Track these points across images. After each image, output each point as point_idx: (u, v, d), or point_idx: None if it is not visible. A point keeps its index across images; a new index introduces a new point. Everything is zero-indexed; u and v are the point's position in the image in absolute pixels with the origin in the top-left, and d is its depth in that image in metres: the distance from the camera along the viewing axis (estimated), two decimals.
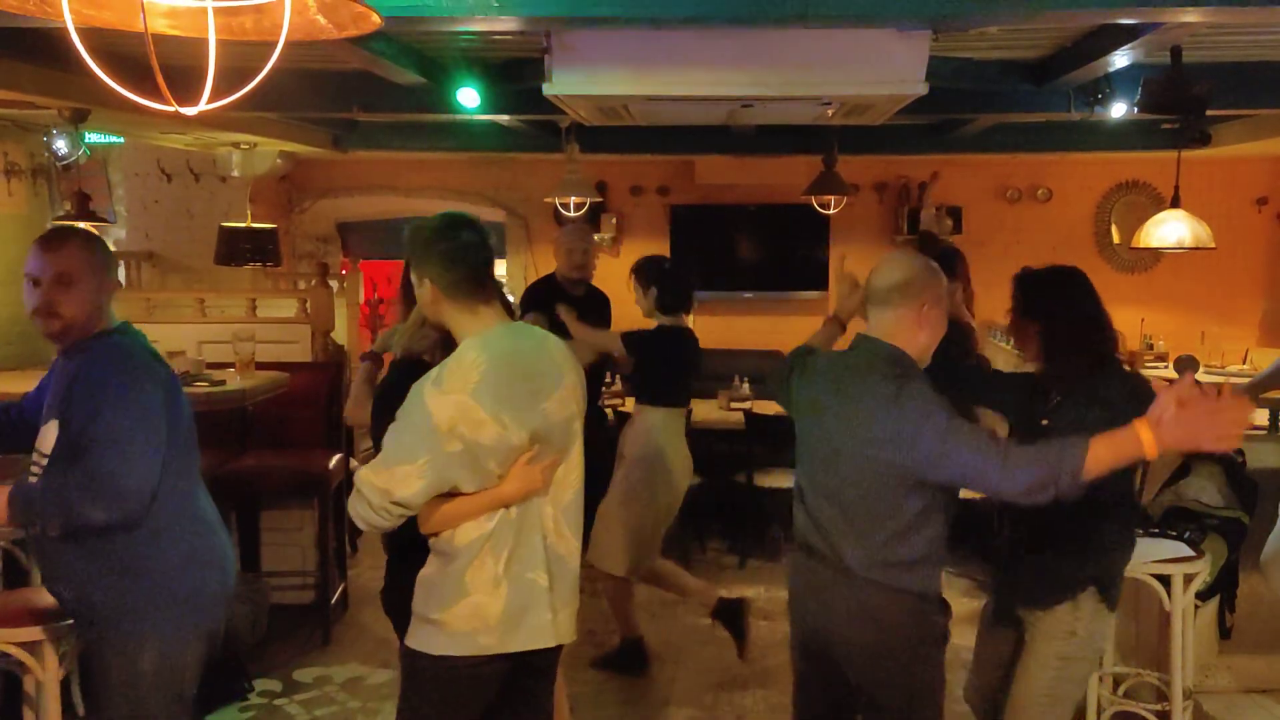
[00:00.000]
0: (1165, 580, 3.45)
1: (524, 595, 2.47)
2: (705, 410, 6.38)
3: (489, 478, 2.41)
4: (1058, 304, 2.91)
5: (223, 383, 4.53)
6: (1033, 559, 2.96)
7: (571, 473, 2.55)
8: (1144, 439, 2.19)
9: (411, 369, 2.62)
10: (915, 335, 2.61)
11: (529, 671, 2.57)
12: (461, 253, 2.44)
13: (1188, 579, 3.47)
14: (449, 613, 2.46)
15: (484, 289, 2.48)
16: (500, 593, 2.45)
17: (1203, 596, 3.65)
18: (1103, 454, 2.24)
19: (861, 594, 2.59)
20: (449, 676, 2.48)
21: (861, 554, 2.58)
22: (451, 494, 2.41)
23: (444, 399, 2.35)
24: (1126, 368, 3.05)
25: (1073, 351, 2.86)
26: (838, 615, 2.64)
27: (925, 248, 5.18)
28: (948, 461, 2.40)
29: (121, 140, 7.25)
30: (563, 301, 4.82)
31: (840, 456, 2.60)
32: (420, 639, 2.49)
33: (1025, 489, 2.31)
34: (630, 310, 4.75)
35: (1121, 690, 3.85)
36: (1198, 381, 2.24)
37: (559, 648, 2.58)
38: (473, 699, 2.52)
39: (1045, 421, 2.87)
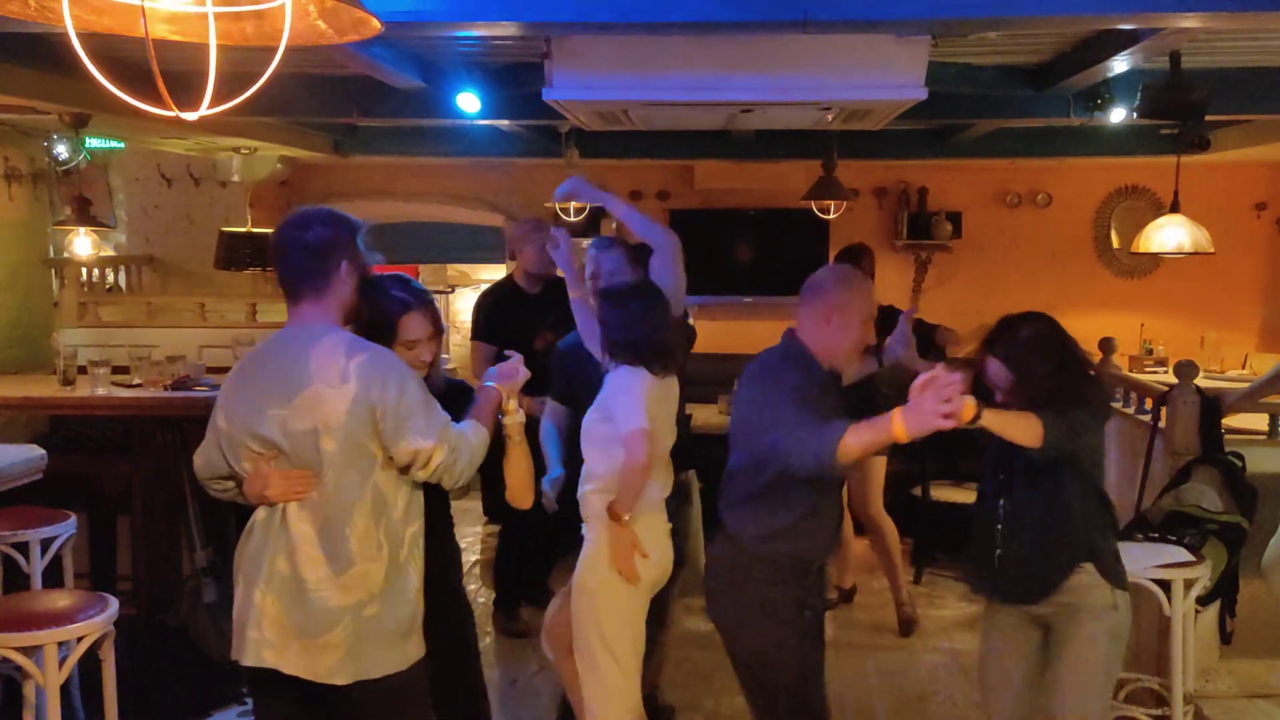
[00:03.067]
0: (1166, 585, 3.45)
1: (246, 603, 2.42)
2: (705, 415, 6.37)
3: (235, 469, 2.44)
4: (1042, 365, 2.82)
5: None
6: (1030, 556, 2.93)
7: (324, 495, 2.36)
8: (894, 423, 2.46)
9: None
10: (820, 334, 2.88)
11: (319, 703, 2.44)
12: (275, 250, 2.47)
13: (1188, 584, 3.47)
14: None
15: (292, 290, 2.45)
16: (238, 594, 2.46)
17: (1203, 602, 3.64)
18: (861, 435, 2.52)
19: (716, 541, 2.97)
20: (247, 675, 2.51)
21: (723, 499, 2.95)
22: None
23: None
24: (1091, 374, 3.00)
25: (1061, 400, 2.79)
26: (708, 564, 3.05)
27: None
28: (766, 432, 2.70)
29: (122, 145, 7.25)
30: (524, 304, 4.70)
31: (734, 412, 3.01)
32: None
33: (794, 461, 2.62)
34: None
35: (1122, 695, 3.85)
36: (951, 362, 2.57)
37: (353, 687, 2.38)
38: (262, 706, 2.54)
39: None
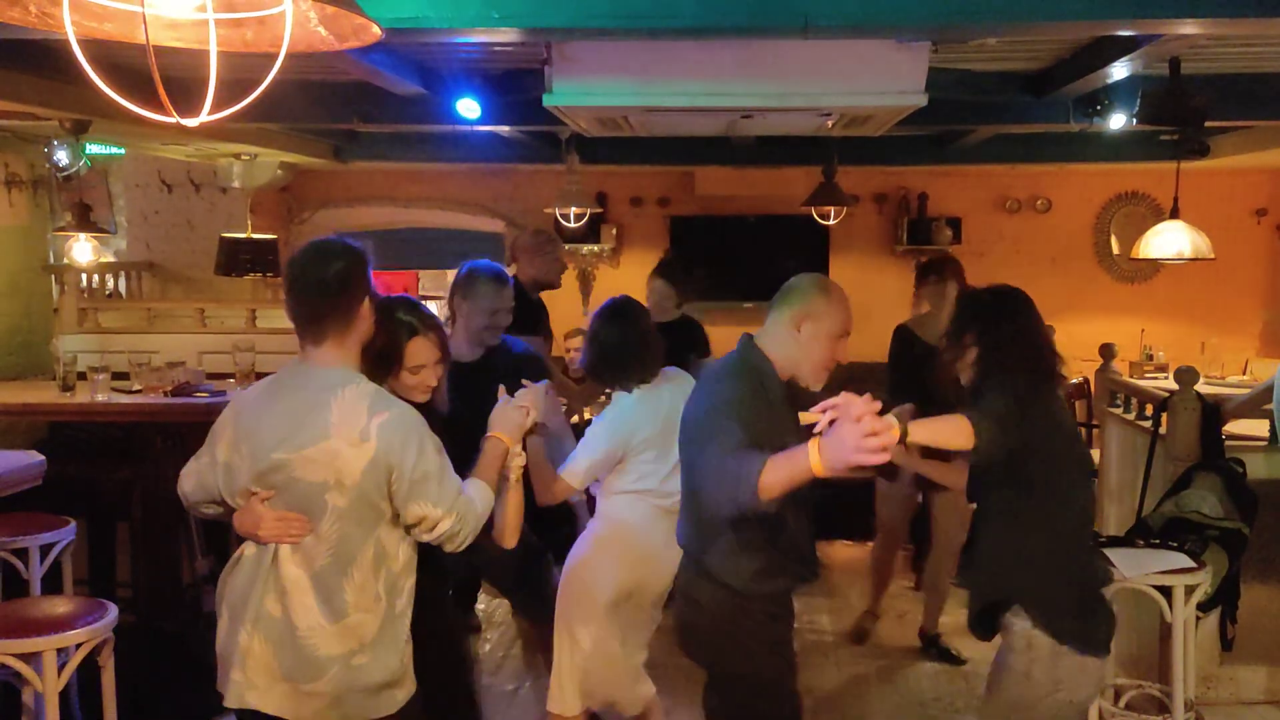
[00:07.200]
0: (1166, 591, 3.44)
1: (230, 641, 2.37)
2: None
3: (229, 501, 2.40)
4: (995, 322, 2.74)
5: (223, 393, 4.53)
6: (968, 580, 2.82)
7: (322, 544, 2.31)
8: (811, 455, 2.21)
9: None
10: (786, 341, 2.67)
11: None
12: (294, 287, 2.38)
13: (1189, 590, 3.47)
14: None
15: (314, 330, 2.35)
16: (221, 626, 2.41)
17: (1204, 608, 3.64)
18: (779, 469, 2.27)
19: (685, 571, 2.80)
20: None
21: (687, 530, 2.77)
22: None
23: (228, 406, 2.47)
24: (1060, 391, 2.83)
25: (1010, 370, 2.67)
26: (678, 590, 2.87)
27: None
28: (698, 465, 2.52)
29: (122, 151, 7.27)
30: (526, 307, 4.48)
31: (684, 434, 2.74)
32: None
33: (715, 503, 2.43)
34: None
35: (1123, 702, 3.84)
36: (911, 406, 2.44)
37: None
38: None
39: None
